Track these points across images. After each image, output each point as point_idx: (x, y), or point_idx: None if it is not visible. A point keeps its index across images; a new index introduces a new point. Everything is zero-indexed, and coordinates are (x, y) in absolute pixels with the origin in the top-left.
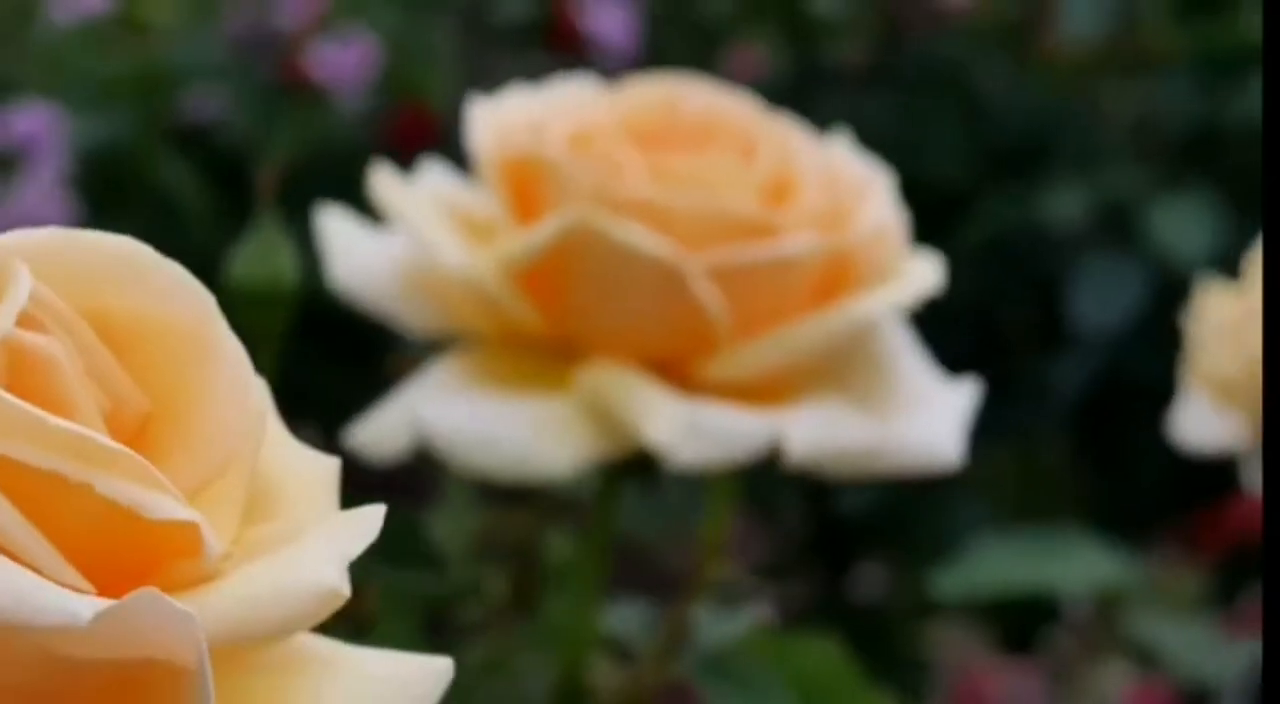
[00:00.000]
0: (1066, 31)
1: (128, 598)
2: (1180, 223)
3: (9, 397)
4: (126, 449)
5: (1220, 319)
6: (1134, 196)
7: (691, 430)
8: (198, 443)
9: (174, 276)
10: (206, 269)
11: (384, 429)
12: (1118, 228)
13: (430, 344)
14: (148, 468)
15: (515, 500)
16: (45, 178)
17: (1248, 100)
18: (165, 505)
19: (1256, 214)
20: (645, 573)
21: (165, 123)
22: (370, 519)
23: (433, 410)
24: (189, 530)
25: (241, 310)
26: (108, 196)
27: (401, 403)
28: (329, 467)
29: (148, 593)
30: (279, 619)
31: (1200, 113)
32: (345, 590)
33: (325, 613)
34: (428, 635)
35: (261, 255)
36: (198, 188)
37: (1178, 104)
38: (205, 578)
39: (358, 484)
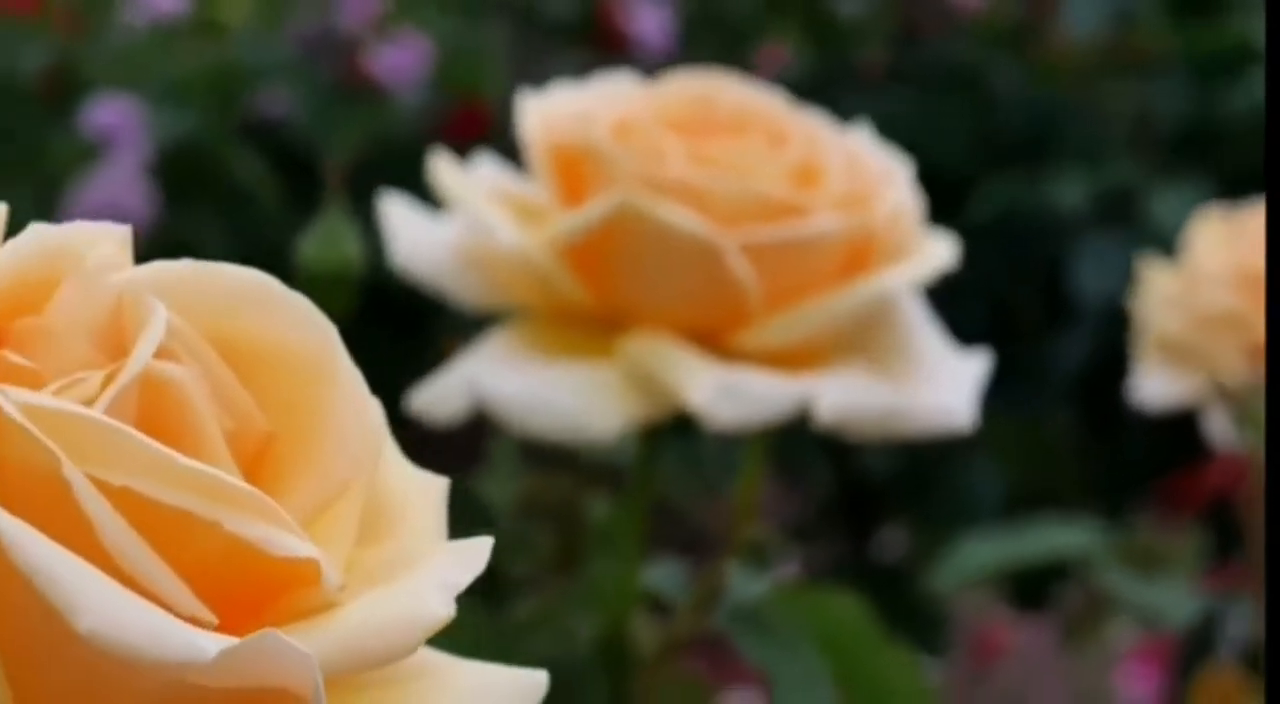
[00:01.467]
0: (1069, 32)
1: (250, 637)
2: (1176, 208)
3: (142, 437)
4: (252, 489)
5: (1164, 292)
6: (1133, 184)
7: (727, 394)
8: (318, 463)
9: (297, 306)
10: (274, 253)
11: (443, 395)
12: (1118, 212)
13: (480, 320)
14: (271, 505)
15: (556, 464)
16: (125, 167)
17: (1238, 97)
18: (289, 543)
19: (1246, 201)
20: (676, 531)
21: (237, 118)
22: (478, 550)
23: (489, 378)
24: (309, 565)
25: (311, 290)
26: (184, 186)
27: (459, 371)
28: (438, 486)
29: (269, 634)
30: (390, 649)
31: (1193, 108)
32: (450, 616)
33: (430, 636)
34: (478, 592)
35: (330, 240)
36: (267, 178)
37: (1173, 100)
38: (322, 608)
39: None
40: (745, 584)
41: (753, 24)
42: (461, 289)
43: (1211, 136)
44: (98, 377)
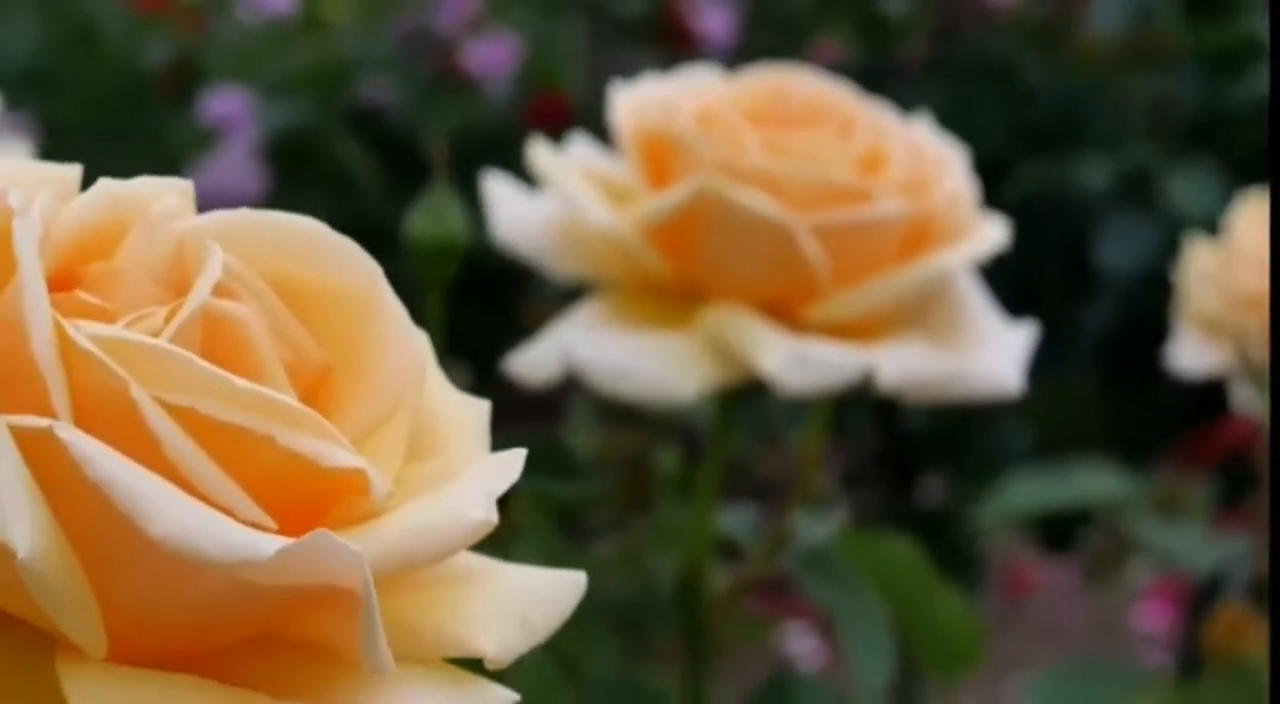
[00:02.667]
0: (1094, 29)
1: (304, 538)
2: (1190, 189)
3: (202, 361)
4: (304, 407)
5: (1204, 268)
6: (1151, 167)
7: (797, 362)
8: (369, 390)
9: (346, 248)
10: (376, 232)
11: (538, 360)
12: (1138, 193)
13: (569, 292)
14: (322, 421)
15: (628, 421)
16: (238, 153)
17: (1245, 88)
18: (338, 455)
19: (1253, 182)
20: (742, 481)
21: (341, 108)
22: (513, 461)
23: (580, 345)
24: (358, 475)
25: (418, 262)
26: (293, 170)
27: (553, 338)
28: (480, 408)
29: (322, 533)
30: (434, 550)
31: (1205, 98)
32: (493, 522)
33: (474, 541)
34: (561, 536)
35: (436, 216)
36: (368, 163)
37: (1187, 91)
38: (372, 514)
39: (500, 406)
40: (810, 530)
41: (807, 21)
42: (554, 262)
43: (1221, 124)
44: (162, 312)
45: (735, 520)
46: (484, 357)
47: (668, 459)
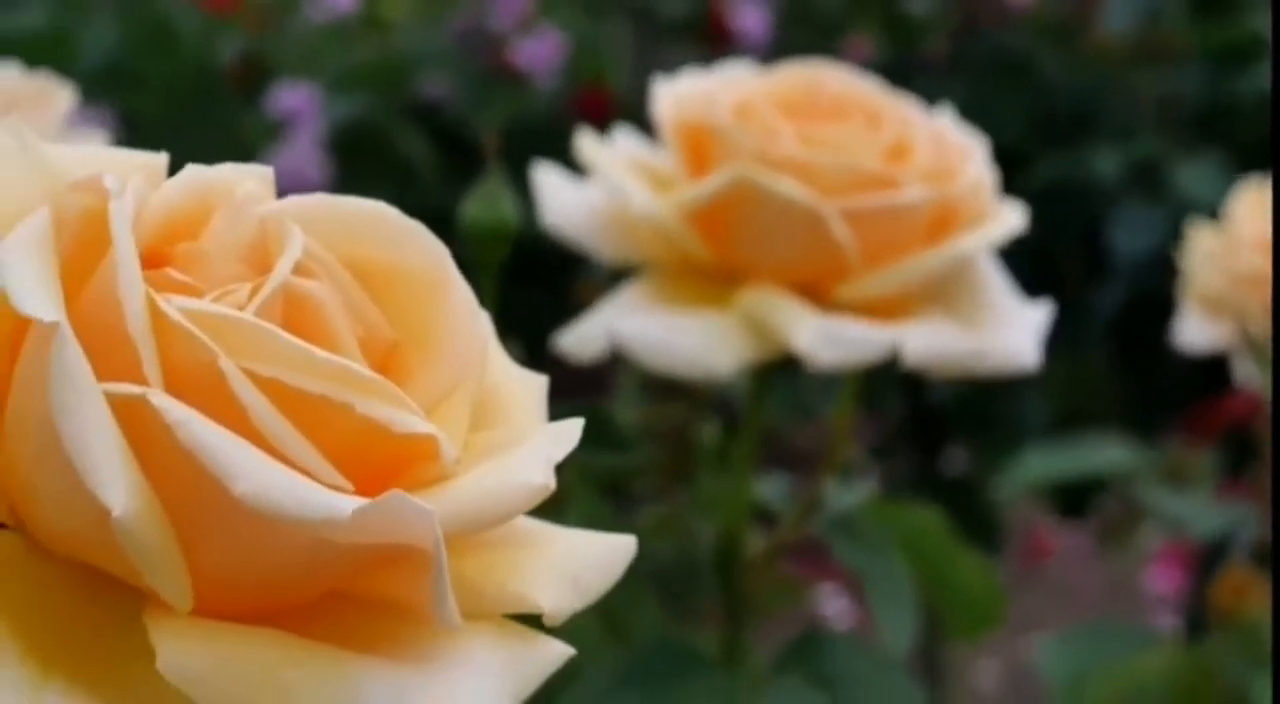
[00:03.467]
0: (1107, 28)
1: (380, 498)
2: (1197, 178)
3: (285, 334)
4: (379, 377)
5: (1207, 250)
6: (1160, 157)
7: (828, 339)
8: (436, 364)
9: (415, 231)
10: (433, 217)
11: (585, 337)
12: (1147, 182)
13: (613, 273)
14: (396, 391)
15: (671, 395)
16: (305, 143)
17: (1248, 83)
18: (410, 421)
19: (1255, 171)
20: (777, 451)
21: (401, 101)
22: (571, 430)
23: (625, 323)
24: (429, 441)
25: (472, 246)
26: (355, 160)
27: (599, 317)
28: (538, 382)
29: (396, 494)
30: (498, 512)
31: (1210, 92)
32: (552, 487)
33: (535, 504)
34: (608, 503)
35: (489, 202)
36: (426, 152)
37: (1193, 85)
38: (441, 478)
39: (550, 381)
40: (841, 497)
41: (838, 20)
42: (600, 246)
43: (1225, 117)
44: (246, 289)
45: (770, 488)
46: (535, 334)
47: (707, 431)
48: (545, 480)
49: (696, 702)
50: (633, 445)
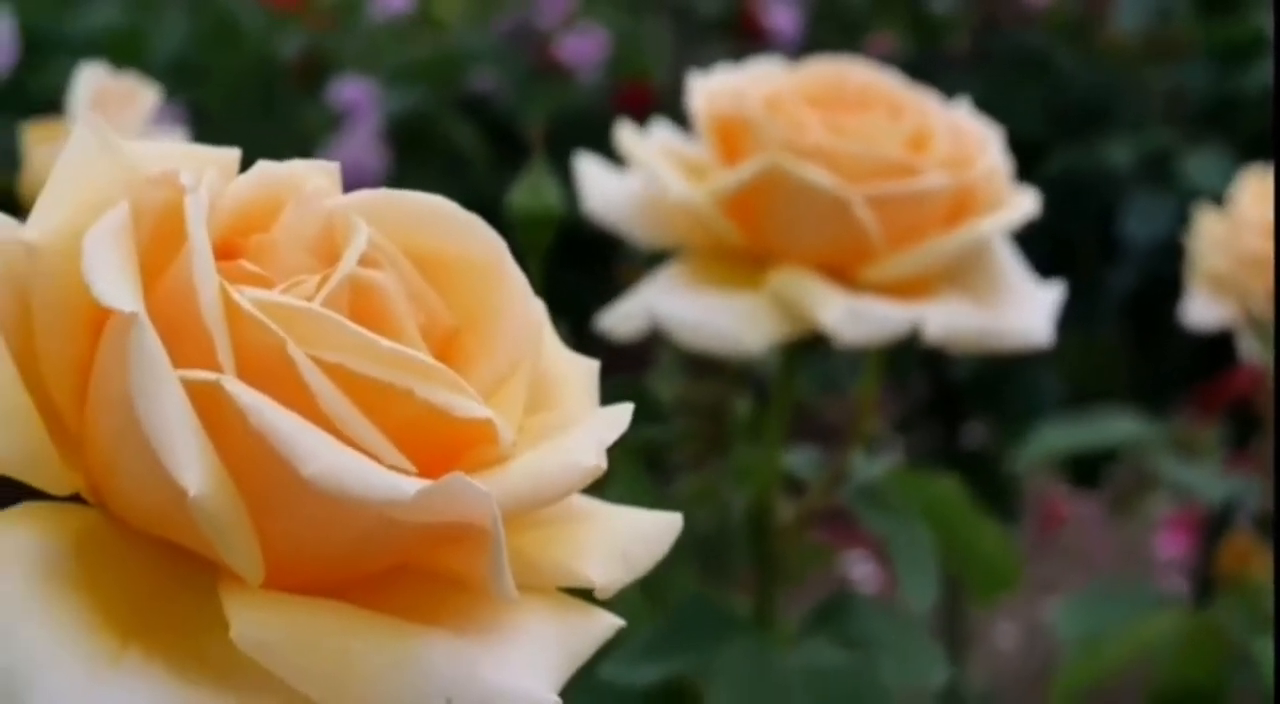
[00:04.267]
0: (1119, 26)
1: (441, 480)
2: (1204, 167)
3: (350, 323)
4: (439, 364)
5: (1212, 234)
6: (1170, 148)
7: (854, 317)
8: (493, 350)
9: (474, 223)
10: (482, 204)
11: (625, 317)
12: (1157, 171)
13: (651, 257)
14: (455, 377)
15: (706, 371)
16: (363, 134)
17: (1252, 78)
18: (469, 406)
19: (1259, 161)
20: (808, 424)
21: (453, 95)
22: (621, 414)
23: (662, 303)
24: (487, 425)
25: (519, 232)
26: (410, 150)
27: (638, 298)
28: (590, 367)
29: (456, 476)
30: (552, 492)
31: (1217, 87)
32: (603, 468)
33: (586, 484)
34: (648, 473)
35: (535, 190)
36: (476, 144)
37: (1201, 80)
38: (499, 460)
39: (593, 358)
40: (867, 468)
41: (864, 18)
42: (639, 231)
43: (1231, 110)
44: (314, 279)
45: (800, 460)
46: (579, 314)
47: (741, 405)
48: (597, 462)
49: (731, 660)
50: (671, 418)
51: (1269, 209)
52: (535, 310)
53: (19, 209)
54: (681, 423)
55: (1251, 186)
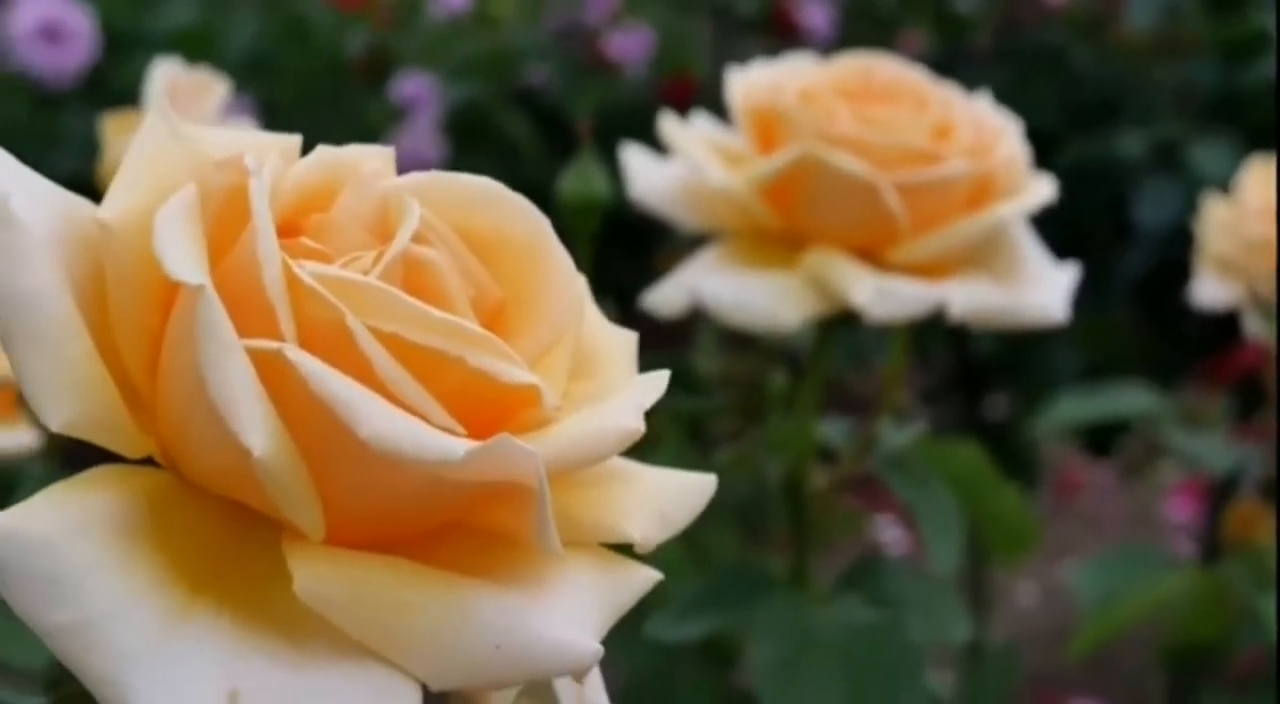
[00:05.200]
0: (1131, 24)
1: (489, 441)
2: (1211, 156)
3: (404, 295)
4: (488, 333)
5: (1219, 219)
6: (1178, 138)
7: (883, 296)
8: (538, 322)
9: (520, 203)
10: (534, 190)
11: (668, 296)
12: (1167, 160)
13: (692, 240)
14: (503, 345)
15: (744, 347)
16: (423, 126)
17: (1256, 73)
18: (516, 372)
19: (1263, 150)
20: (839, 397)
21: (507, 88)
22: (658, 380)
23: (703, 283)
24: (532, 390)
25: (568, 216)
26: (467, 140)
27: (680, 278)
28: (629, 338)
29: (504, 438)
30: (595, 452)
31: (1223, 81)
32: (642, 430)
33: (627, 446)
34: (690, 443)
35: (583, 178)
36: (529, 134)
37: (1207, 75)
38: (543, 423)
39: (638, 335)
40: (894, 437)
41: (893, 16)
42: (681, 215)
43: (1236, 102)
44: (370, 255)
45: (832, 430)
46: (624, 293)
47: (776, 379)
48: (636, 425)
49: (769, 618)
50: (711, 391)
51: (1272, 196)
52: (577, 285)
53: (98, 193)
54: (721, 396)
55: (1255, 175)
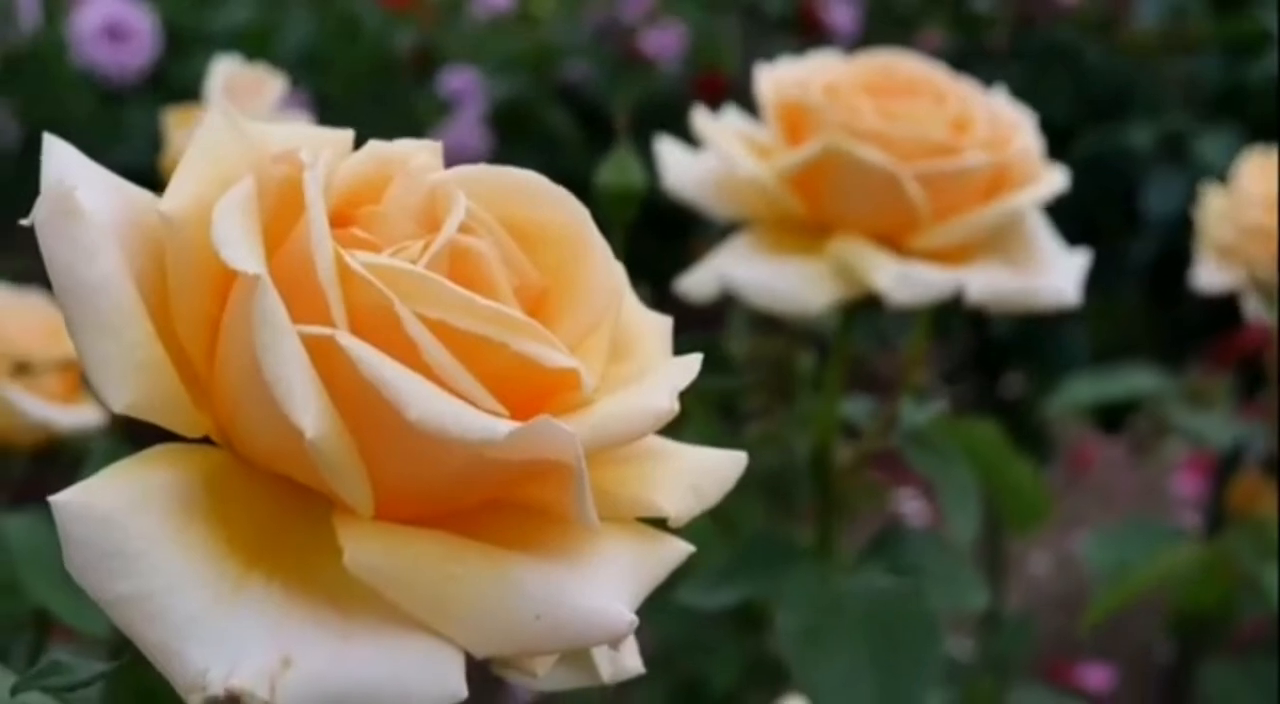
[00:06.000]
0: (1140, 22)
1: (530, 422)
2: (1216, 148)
3: (450, 283)
4: (530, 319)
5: (1219, 207)
6: (1185, 131)
7: (904, 281)
8: (578, 308)
9: (561, 194)
10: (574, 181)
11: (700, 281)
12: (1174, 152)
13: (724, 228)
14: (544, 331)
15: (772, 329)
16: (469, 119)
17: (1259, 69)
18: (556, 356)
19: (1265, 142)
20: (864, 376)
21: (548, 83)
22: (691, 363)
23: (733, 269)
24: (572, 373)
25: (605, 206)
26: (511, 133)
27: (711, 264)
28: (664, 323)
29: (544, 419)
30: (630, 432)
31: (1227, 76)
32: (676, 410)
33: (661, 426)
34: (721, 420)
35: (620, 168)
36: (569, 127)
37: (1213, 71)
38: (582, 404)
39: (672, 318)
40: (915, 415)
41: (914, 15)
42: (712, 205)
43: (1240, 97)
44: (418, 245)
45: (856, 407)
46: (659, 279)
47: (803, 359)
48: (670, 405)
49: (796, 585)
50: (741, 372)
51: (1269, 185)
52: (616, 273)
53: (161, 185)
54: (750, 376)
55: (1252, 165)
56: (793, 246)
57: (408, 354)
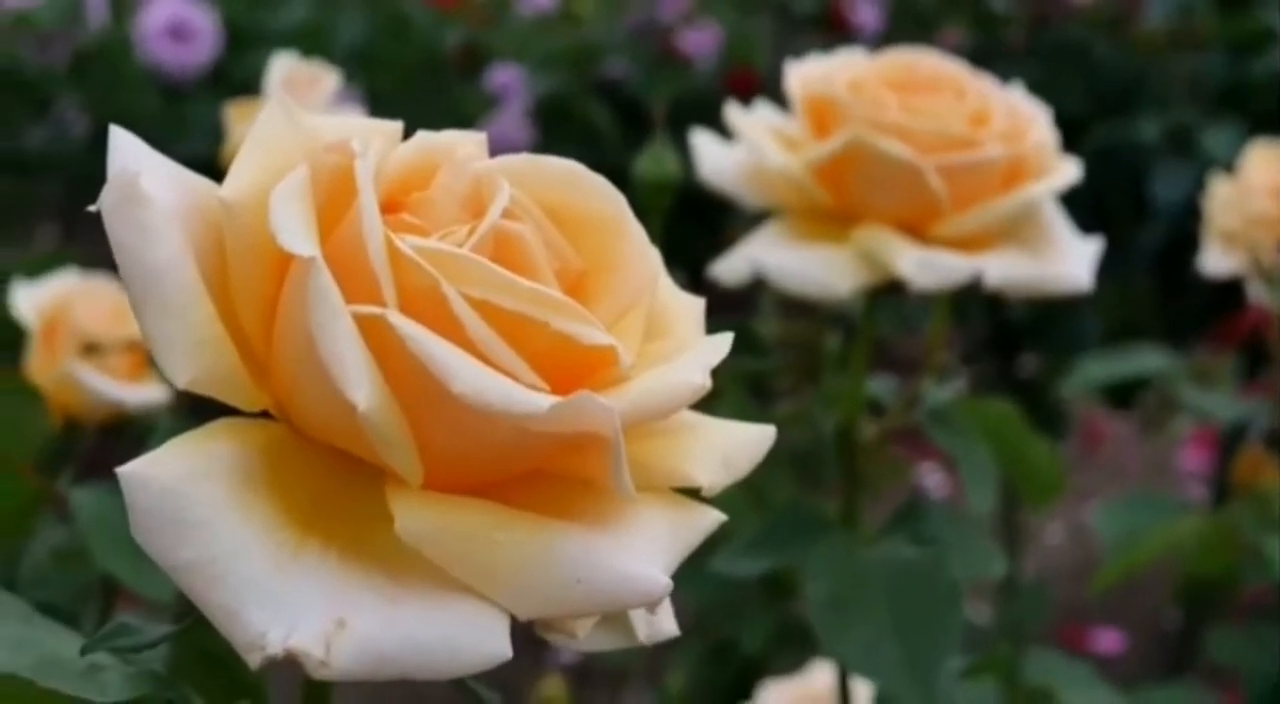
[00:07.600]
0: (1149, 21)
1: (570, 397)
2: (1220, 141)
3: (495, 266)
4: (570, 299)
5: (1224, 196)
6: (1192, 124)
7: (926, 267)
8: (615, 289)
9: (600, 183)
10: (613, 172)
11: (732, 267)
12: (1181, 144)
13: (755, 217)
14: (583, 311)
15: (801, 313)
16: (513, 113)
17: (1262, 65)
18: (595, 335)
19: (1268, 135)
20: (888, 357)
21: (589, 80)
22: (723, 341)
23: (764, 255)
24: (610, 351)
25: (643, 195)
26: (553, 126)
27: (743, 251)
28: (698, 304)
29: (584, 393)
30: (665, 407)
31: (1232, 72)
32: (709, 386)
33: (694, 401)
34: (752, 399)
35: (657, 159)
36: (608, 120)
37: (1218, 67)
38: (619, 380)
39: (706, 302)
40: (936, 394)
41: (935, 15)
42: (744, 194)
43: (1244, 92)
44: (464, 229)
45: (881, 387)
46: (693, 264)
47: (830, 342)
48: (703, 381)
49: (823, 555)
50: (771, 352)
51: (1273, 175)
52: (651, 257)
53: (222, 174)
54: (780, 357)
55: (1256, 157)
56: (820, 234)
57: (454, 332)
